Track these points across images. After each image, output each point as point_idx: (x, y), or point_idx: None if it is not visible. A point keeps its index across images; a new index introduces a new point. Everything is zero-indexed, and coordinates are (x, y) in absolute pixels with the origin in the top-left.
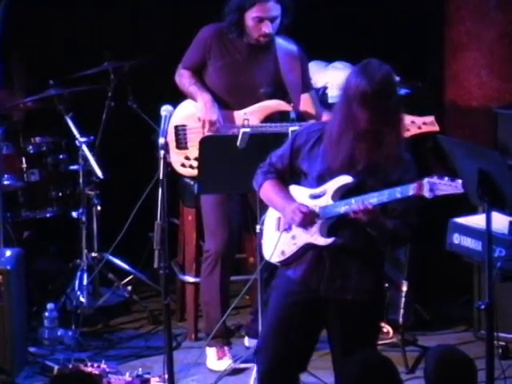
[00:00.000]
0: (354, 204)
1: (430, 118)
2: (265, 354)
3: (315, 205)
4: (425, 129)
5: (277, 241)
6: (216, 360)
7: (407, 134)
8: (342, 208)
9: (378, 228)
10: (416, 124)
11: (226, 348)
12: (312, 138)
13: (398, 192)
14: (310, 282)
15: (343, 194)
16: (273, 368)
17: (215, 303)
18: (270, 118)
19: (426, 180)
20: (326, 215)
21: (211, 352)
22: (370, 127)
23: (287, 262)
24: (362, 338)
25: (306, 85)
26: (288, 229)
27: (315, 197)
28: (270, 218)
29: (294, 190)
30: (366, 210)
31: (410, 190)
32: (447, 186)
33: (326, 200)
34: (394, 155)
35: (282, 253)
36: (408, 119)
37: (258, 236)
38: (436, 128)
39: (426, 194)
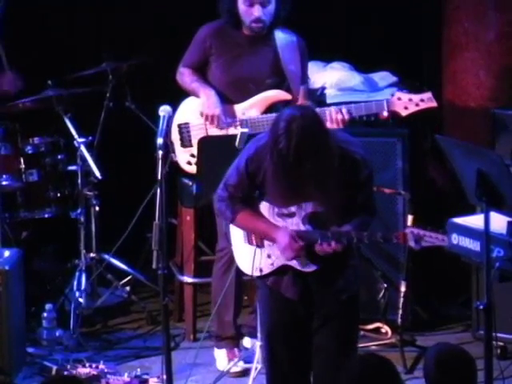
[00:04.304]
0: (330, 237)
1: (428, 95)
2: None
3: (285, 225)
4: (423, 106)
5: (253, 257)
6: (227, 361)
7: (405, 113)
8: (319, 240)
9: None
10: (413, 101)
11: (235, 349)
12: (263, 161)
13: (379, 236)
14: (292, 296)
15: (311, 218)
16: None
17: (229, 304)
18: (271, 109)
19: (409, 230)
20: (304, 241)
21: (221, 354)
22: (303, 170)
23: (266, 276)
24: (352, 334)
25: (303, 76)
26: (261, 245)
27: (284, 215)
28: (235, 229)
29: (261, 206)
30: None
31: (394, 238)
32: (433, 239)
33: (297, 223)
34: (333, 165)
35: (260, 270)
36: (405, 97)
37: None
38: (434, 104)
39: (412, 244)
